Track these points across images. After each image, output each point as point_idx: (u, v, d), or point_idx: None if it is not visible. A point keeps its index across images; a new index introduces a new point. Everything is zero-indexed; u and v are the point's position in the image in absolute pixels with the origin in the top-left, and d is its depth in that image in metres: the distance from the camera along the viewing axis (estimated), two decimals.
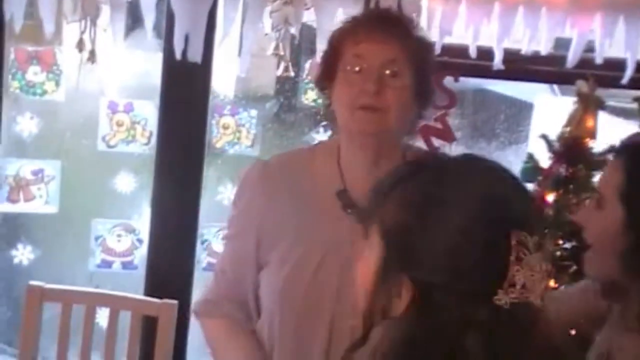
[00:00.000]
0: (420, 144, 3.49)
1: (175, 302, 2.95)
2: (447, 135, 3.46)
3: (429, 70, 2.09)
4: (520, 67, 3.53)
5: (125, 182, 3.74)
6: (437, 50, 3.33)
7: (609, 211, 1.87)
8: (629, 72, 3.43)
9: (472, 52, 3.38)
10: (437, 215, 1.35)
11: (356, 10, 3.14)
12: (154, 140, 3.52)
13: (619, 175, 1.87)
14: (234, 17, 3.23)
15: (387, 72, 1.98)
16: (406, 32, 2.08)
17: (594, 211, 1.94)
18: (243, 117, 3.57)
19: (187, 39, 3.17)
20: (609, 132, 3.44)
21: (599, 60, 3.41)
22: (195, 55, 3.17)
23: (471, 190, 1.38)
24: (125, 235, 3.62)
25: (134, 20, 3.41)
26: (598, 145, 3.37)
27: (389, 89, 1.97)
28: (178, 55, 3.15)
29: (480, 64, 3.48)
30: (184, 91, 3.36)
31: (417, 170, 1.44)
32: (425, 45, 2.11)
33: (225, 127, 3.51)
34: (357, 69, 1.97)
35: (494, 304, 1.29)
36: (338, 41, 2.09)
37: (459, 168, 1.50)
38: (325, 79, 2.08)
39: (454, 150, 3.54)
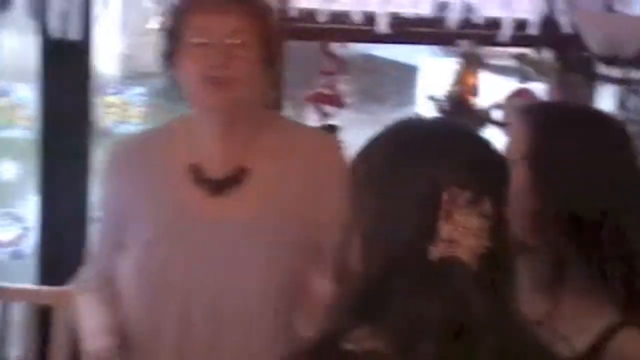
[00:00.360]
0: (311, 110, 3.53)
1: (70, 289, 2.87)
2: (336, 101, 3.50)
3: (276, 36, 2.06)
4: (404, 30, 3.58)
5: (8, 170, 3.66)
6: (323, 17, 3.38)
7: (515, 173, 1.84)
8: (506, 31, 3.51)
9: (355, 17, 3.42)
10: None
11: None
12: (34, 123, 3.43)
13: (525, 138, 1.90)
14: None
15: (233, 42, 1.95)
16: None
17: None
18: (130, 95, 3.48)
19: (63, 17, 3.10)
20: (490, 89, 3.60)
21: (477, 20, 3.51)
22: (74, 33, 3.11)
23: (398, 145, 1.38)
24: (11, 224, 3.49)
25: (4, 1, 3.28)
26: (481, 102, 3.46)
27: (237, 60, 1.95)
28: (54, 33, 3.07)
29: (364, 29, 3.54)
30: (65, 71, 3.26)
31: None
32: (268, 12, 2.08)
33: (110, 106, 3.42)
34: (201, 41, 1.93)
35: (427, 259, 1.28)
36: (180, 13, 2.06)
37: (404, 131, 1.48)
38: (171, 53, 2.03)
39: (344, 115, 3.55)
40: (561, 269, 1.78)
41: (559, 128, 1.87)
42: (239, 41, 1.94)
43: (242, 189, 1.93)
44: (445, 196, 1.29)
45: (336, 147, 2.14)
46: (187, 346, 2.05)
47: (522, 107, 2.15)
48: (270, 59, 1.98)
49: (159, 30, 2.27)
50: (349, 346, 1.31)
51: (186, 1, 2.10)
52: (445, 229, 1.29)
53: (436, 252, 1.29)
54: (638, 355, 1.69)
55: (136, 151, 2.07)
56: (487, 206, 1.30)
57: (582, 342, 1.70)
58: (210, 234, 1.90)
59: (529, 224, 1.80)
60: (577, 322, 1.75)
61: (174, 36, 2.03)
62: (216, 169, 1.96)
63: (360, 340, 1.31)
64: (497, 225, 1.33)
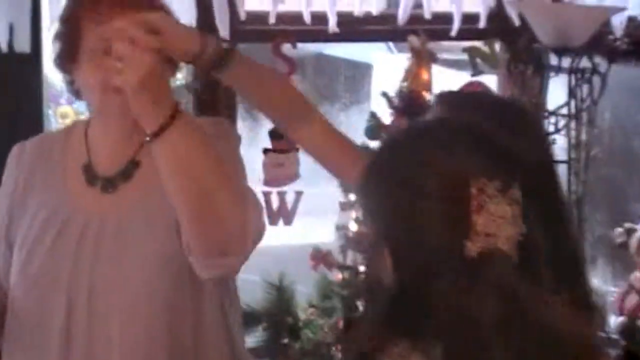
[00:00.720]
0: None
1: None
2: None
3: None
4: (355, 28, 3.58)
5: None
6: (272, 18, 3.33)
7: None
8: (456, 25, 3.56)
9: (307, 18, 3.39)
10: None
11: None
12: None
13: None
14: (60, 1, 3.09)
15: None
16: (148, 2, 2.00)
17: None
18: (83, 104, 3.42)
19: (11, 29, 3.03)
20: (443, 83, 3.54)
21: (427, 15, 3.50)
22: (23, 45, 3.05)
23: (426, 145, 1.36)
24: None
25: None
26: (434, 97, 3.47)
27: None
28: (3, 47, 3.01)
29: (315, 29, 3.51)
30: (14, 84, 3.13)
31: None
32: (169, 14, 2.04)
33: (64, 116, 3.39)
34: (103, 49, 1.85)
35: (464, 256, 1.26)
36: (76, 19, 1.97)
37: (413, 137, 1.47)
38: (67, 59, 1.96)
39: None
40: None
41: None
42: None
43: (133, 183, 1.94)
44: (474, 189, 1.27)
45: (228, 133, 2.13)
46: (73, 341, 2.00)
47: (436, 95, 2.11)
48: (172, 60, 1.93)
49: (54, 35, 2.20)
50: None
51: (85, 4, 2.00)
52: (480, 222, 1.27)
53: (473, 247, 1.26)
54: None
55: (32, 152, 2.05)
56: (516, 192, 1.29)
57: None
58: (97, 229, 1.89)
59: None
60: None
61: (69, 42, 1.96)
62: (108, 167, 1.96)
63: (401, 356, 1.29)
64: (529, 210, 1.31)
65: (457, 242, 1.26)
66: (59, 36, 2.01)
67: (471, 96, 2.09)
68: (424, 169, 1.30)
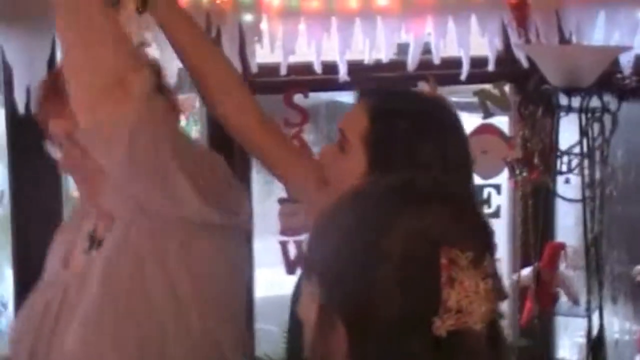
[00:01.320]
0: None
1: None
2: (304, 149, 3.44)
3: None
4: (365, 76, 3.55)
5: None
6: (283, 70, 3.37)
7: (352, 155, 1.93)
8: (465, 69, 3.57)
9: (317, 68, 3.41)
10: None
11: None
12: (5, 197, 3.37)
13: (363, 121, 1.93)
14: None
15: None
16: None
17: (337, 154, 2.00)
18: None
19: (28, 92, 3.07)
20: None
21: (436, 60, 3.51)
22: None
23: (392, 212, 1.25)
24: None
25: None
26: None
27: None
28: (21, 109, 3.06)
29: (327, 78, 3.51)
30: (33, 144, 3.19)
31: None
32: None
33: None
34: None
35: (433, 334, 1.17)
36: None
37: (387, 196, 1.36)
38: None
39: None
40: None
41: (390, 116, 1.91)
42: None
43: None
44: (444, 259, 1.16)
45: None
46: None
47: (361, 91, 2.13)
48: None
49: None
50: None
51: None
52: (452, 297, 1.17)
53: (443, 325, 1.17)
54: None
55: None
56: (489, 265, 1.20)
57: None
58: None
59: None
60: None
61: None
62: None
63: None
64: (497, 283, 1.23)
65: (425, 318, 1.16)
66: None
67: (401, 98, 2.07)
68: (390, 231, 1.19)
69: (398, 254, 1.17)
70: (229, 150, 3.58)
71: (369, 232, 1.21)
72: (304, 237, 3.49)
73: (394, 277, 1.17)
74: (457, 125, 2.06)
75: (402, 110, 2.00)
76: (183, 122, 3.55)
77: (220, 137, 3.43)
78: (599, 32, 3.67)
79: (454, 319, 1.16)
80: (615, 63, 3.55)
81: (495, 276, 1.22)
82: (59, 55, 3.14)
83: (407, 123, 1.94)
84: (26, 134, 3.16)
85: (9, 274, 3.23)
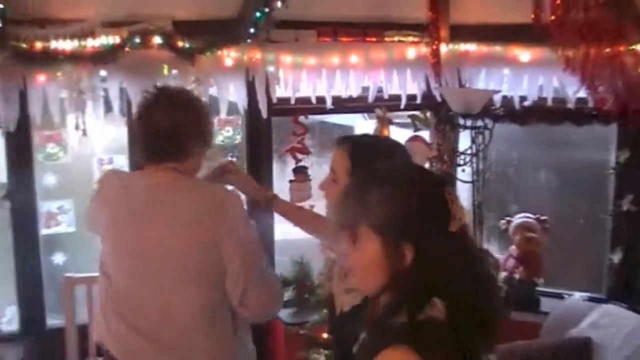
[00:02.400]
0: (289, 157, 4.07)
1: None
2: (305, 151, 4.12)
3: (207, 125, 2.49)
4: (343, 105, 4.17)
5: None
6: (292, 101, 3.96)
7: (341, 184, 2.14)
8: (403, 101, 4.20)
9: (313, 99, 4.06)
10: (405, 197, 1.52)
11: (242, 85, 3.79)
12: None
13: (346, 159, 2.18)
14: None
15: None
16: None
17: (332, 184, 2.24)
18: None
19: None
20: (397, 137, 3.48)
21: (386, 96, 4.18)
22: None
23: (411, 170, 1.61)
24: None
25: (107, 107, 3.70)
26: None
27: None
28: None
29: (319, 106, 4.13)
30: None
31: (369, 175, 1.60)
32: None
33: None
34: None
35: (451, 231, 1.49)
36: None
37: (391, 162, 1.85)
38: None
39: (309, 159, 4.06)
40: None
41: (367, 156, 2.13)
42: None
43: None
44: (447, 195, 1.53)
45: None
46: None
47: (340, 138, 2.34)
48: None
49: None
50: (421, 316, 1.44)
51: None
52: (456, 211, 1.52)
53: (454, 226, 1.51)
54: None
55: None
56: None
57: None
58: None
59: None
60: None
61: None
62: None
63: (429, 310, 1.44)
64: None
65: (445, 223, 1.49)
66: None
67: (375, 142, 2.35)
68: (414, 179, 1.53)
69: (423, 193, 1.51)
70: (259, 148, 4.05)
71: (400, 180, 1.53)
72: (304, 204, 3.85)
73: (429, 208, 1.48)
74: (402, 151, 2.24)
75: (371, 151, 2.21)
76: (230, 131, 4.04)
77: (254, 141, 4.01)
78: (482, 82, 4.22)
79: (459, 222, 1.52)
80: (491, 100, 4.14)
81: None
82: None
83: (373, 159, 2.08)
84: None
85: None
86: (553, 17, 3.78)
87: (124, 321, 2.31)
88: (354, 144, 2.22)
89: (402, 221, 1.48)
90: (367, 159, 2.06)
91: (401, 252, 1.49)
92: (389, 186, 1.51)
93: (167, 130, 2.30)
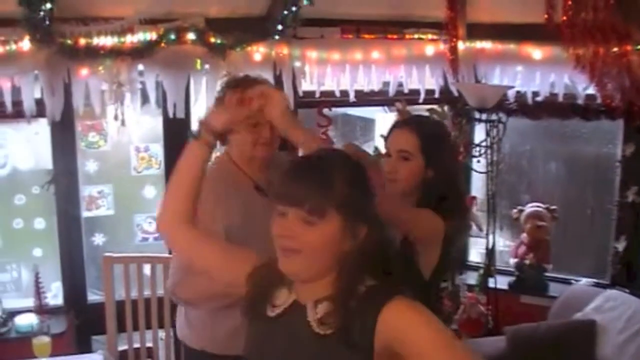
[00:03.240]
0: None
1: None
2: (328, 142, 3.49)
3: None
4: (365, 99, 4.25)
5: (150, 191, 4.18)
6: (317, 94, 4.02)
7: (414, 161, 2.27)
8: (422, 95, 4.28)
9: (337, 93, 4.15)
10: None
11: (270, 79, 3.75)
12: (162, 165, 4.11)
13: (415, 137, 2.28)
14: (200, 88, 3.82)
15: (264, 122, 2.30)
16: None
17: (402, 162, 2.31)
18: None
19: (174, 106, 3.80)
20: None
21: (406, 90, 4.28)
22: (180, 113, 3.81)
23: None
24: (153, 222, 4.06)
25: (144, 99, 3.80)
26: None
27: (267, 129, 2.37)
28: (170, 114, 3.79)
29: (342, 99, 4.20)
30: (176, 135, 3.82)
31: (337, 157, 1.59)
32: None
33: None
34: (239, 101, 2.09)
35: None
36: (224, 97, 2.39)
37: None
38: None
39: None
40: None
41: (431, 133, 2.31)
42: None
43: None
44: None
45: None
46: None
47: (408, 118, 2.50)
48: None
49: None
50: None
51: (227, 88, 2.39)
52: None
53: None
54: None
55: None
56: None
57: None
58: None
59: (421, 195, 2.25)
60: None
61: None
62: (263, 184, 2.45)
63: None
64: None
65: None
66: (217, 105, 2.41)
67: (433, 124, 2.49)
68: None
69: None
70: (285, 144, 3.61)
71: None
72: None
73: None
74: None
75: (435, 130, 2.36)
76: None
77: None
78: (496, 78, 4.29)
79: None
80: (505, 94, 4.24)
81: None
82: (191, 83, 3.74)
83: (439, 137, 2.27)
84: (172, 128, 3.88)
85: None
86: (564, 18, 3.88)
87: None
88: (420, 126, 2.38)
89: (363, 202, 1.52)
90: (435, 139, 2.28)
91: (356, 232, 1.53)
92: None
93: None
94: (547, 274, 4.48)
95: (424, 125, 2.37)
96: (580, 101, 4.21)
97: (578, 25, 3.82)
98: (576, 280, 4.45)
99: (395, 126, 2.43)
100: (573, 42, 3.85)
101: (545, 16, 3.99)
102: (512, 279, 4.51)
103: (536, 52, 4.20)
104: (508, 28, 4.21)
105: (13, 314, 3.82)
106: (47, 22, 3.39)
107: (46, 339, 3.00)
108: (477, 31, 4.27)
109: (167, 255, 3.38)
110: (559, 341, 3.71)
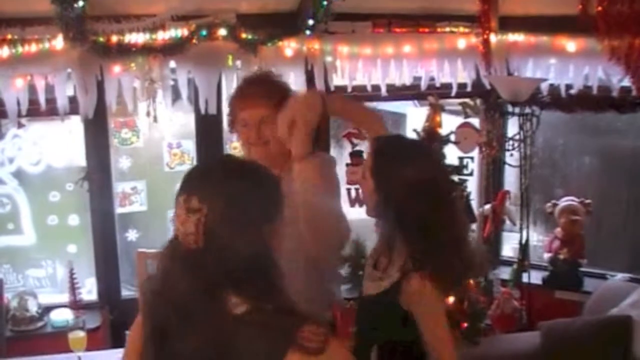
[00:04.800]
0: (346, 142, 4.17)
1: None
2: (360, 136, 4.17)
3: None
4: (396, 93, 4.23)
5: None
6: (349, 89, 4.00)
7: (367, 180, 2.16)
8: (454, 89, 4.28)
9: (369, 87, 4.13)
10: None
11: (301, 74, 3.86)
12: (194, 161, 4.13)
13: (369, 159, 2.17)
14: (232, 86, 3.76)
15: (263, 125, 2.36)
16: (270, 92, 2.38)
17: (362, 180, 2.22)
18: None
19: (206, 102, 3.81)
20: (448, 123, 4.10)
21: (437, 84, 4.25)
22: (212, 110, 3.83)
23: None
24: None
25: (176, 95, 3.82)
26: (443, 131, 4.04)
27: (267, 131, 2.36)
28: (202, 111, 3.81)
29: (373, 94, 4.18)
30: (208, 131, 4.02)
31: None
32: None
33: (234, 148, 3.95)
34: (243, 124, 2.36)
35: None
36: (233, 104, 2.50)
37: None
38: (230, 124, 2.54)
39: (365, 144, 4.01)
40: (391, 240, 2.09)
41: (389, 155, 2.13)
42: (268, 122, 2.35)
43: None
44: None
45: (333, 163, 2.54)
46: None
47: (371, 140, 2.28)
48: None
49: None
50: None
51: (235, 98, 2.47)
52: None
53: None
54: (417, 288, 1.99)
55: None
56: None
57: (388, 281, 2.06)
58: None
59: (374, 213, 2.15)
60: (390, 270, 2.09)
61: (231, 115, 2.51)
62: None
63: None
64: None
65: None
66: (228, 111, 2.57)
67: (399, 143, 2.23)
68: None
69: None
70: (317, 133, 3.86)
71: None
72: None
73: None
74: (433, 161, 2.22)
75: (395, 152, 2.17)
76: None
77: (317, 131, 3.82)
78: (529, 71, 4.23)
79: None
80: (538, 88, 4.19)
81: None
82: (223, 80, 3.75)
83: (397, 160, 2.09)
84: (205, 124, 3.92)
85: None
86: (599, 9, 3.77)
87: None
88: (378, 146, 2.27)
89: None
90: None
91: None
92: None
93: None
94: (581, 269, 4.42)
95: (384, 143, 2.20)
96: (614, 94, 4.11)
97: (613, 17, 3.71)
98: (611, 275, 4.38)
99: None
100: (608, 33, 3.74)
101: (579, 7, 3.88)
102: (546, 274, 4.46)
103: (570, 44, 4.12)
104: (541, 20, 4.14)
105: (48, 309, 3.86)
106: (80, 21, 3.40)
107: (82, 334, 3.01)
108: (509, 24, 4.20)
109: None
110: (594, 337, 3.63)
